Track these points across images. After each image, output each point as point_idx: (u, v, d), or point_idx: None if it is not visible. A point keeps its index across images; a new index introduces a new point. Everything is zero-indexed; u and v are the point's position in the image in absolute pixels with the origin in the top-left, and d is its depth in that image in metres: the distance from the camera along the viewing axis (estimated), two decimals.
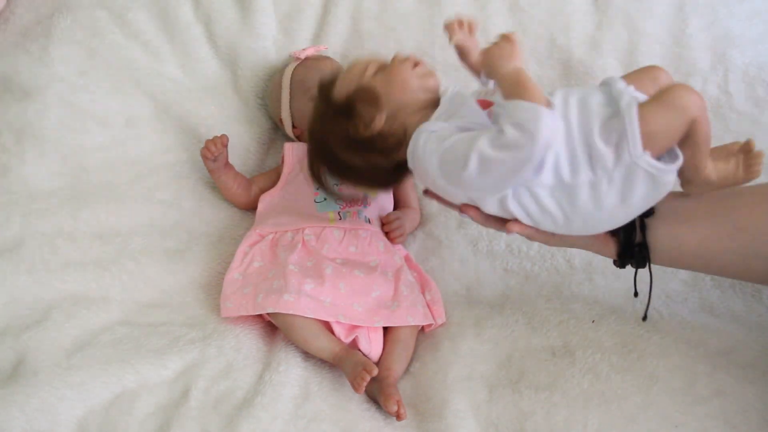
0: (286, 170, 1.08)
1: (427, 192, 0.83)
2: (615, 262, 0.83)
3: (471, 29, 0.82)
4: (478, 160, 0.67)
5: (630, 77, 0.73)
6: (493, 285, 1.03)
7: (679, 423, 0.75)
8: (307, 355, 0.90)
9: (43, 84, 1.02)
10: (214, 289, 0.98)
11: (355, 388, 0.82)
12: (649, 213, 0.77)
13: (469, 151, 0.68)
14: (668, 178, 0.68)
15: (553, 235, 0.78)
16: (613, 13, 1.12)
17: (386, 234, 1.04)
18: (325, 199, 1.02)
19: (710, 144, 0.70)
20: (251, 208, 1.08)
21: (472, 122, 0.73)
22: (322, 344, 0.88)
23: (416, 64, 0.82)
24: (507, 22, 1.13)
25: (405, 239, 1.06)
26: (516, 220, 0.75)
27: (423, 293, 0.98)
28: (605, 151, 0.67)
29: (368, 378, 0.82)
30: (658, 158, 0.68)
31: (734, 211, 0.75)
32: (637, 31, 1.11)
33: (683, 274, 1.00)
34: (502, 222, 0.77)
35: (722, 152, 0.75)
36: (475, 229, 1.09)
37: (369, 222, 1.02)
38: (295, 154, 1.09)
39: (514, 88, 0.67)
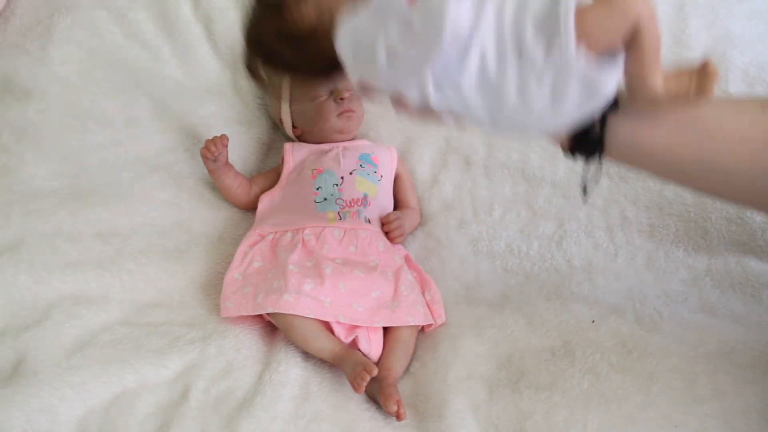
0: (286, 170, 1.08)
1: (360, 87, 0.76)
2: (564, 152, 0.77)
3: None
4: (385, 51, 0.65)
5: None
6: (493, 285, 1.03)
7: (679, 423, 0.75)
8: (307, 355, 0.90)
9: (43, 84, 1.02)
10: (213, 289, 0.98)
11: (355, 388, 0.82)
12: (613, 107, 0.71)
13: (375, 43, 0.65)
14: (604, 85, 0.64)
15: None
16: None
17: (386, 234, 1.04)
18: (325, 199, 1.02)
19: (659, 57, 0.66)
20: (251, 208, 1.08)
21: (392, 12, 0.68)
22: (322, 344, 0.88)
23: None
24: None
25: (405, 239, 1.06)
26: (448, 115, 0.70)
27: (423, 293, 0.99)
28: (534, 47, 0.63)
29: (368, 378, 0.82)
30: (597, 62, 0.64)
31: (702, 118, 0.72)
32: None
33: (683, 274, 1.00)
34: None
35: (675, 70, 0.70)
36: (475, 229, 1.09)
37: (369, 222, 1.02)
38: (295, 154, 1.09)
39: None
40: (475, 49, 0.63)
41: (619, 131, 0.73)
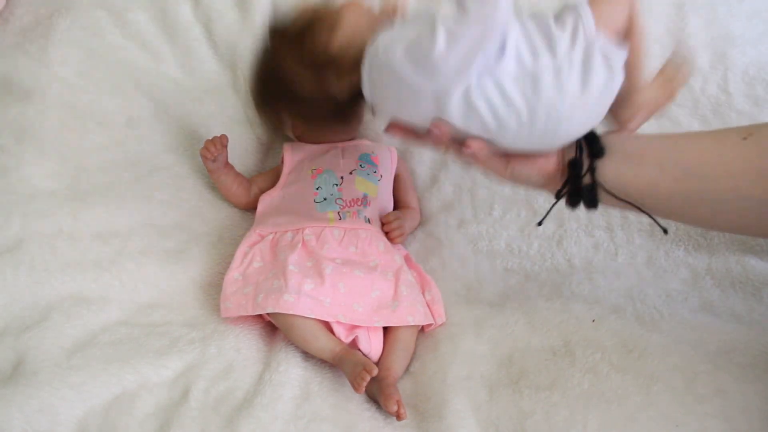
0: (286, 170, 1.08)
1: (390, 127, 0.79)
2: (565, 201, 0.82)
3: None
4: (445, 34, 0.68)
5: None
6: (493, 285, 1.03)
7: (680, 422, 0.75)
8: (307, 355, 0.90)
9: (43, 84, 1.02)
10: (213, 290, 0.98)
11: (356, 388, 0.82)
12: (600, 154, 0.77)
13: (435, 29, 0.69)
14: (618, 62, 0.70)
15: (507, 162, 0.78)
16: None
17: (386, 234, 1.04)
18: (325, 199, 1.02)
19: (645, 48, 0.73)
20: (251, 208, 1.08)
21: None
22: (322, 344, 0.88)
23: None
24: None
25: (405, 239, 1.06)
26: (476, 138, 0.74)
27: (423, 293, 0.99)
28: (561, 36, 0.69)
29: (368, 378, 0.82)
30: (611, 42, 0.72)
31: (684, 154, 0.75)
32: None
33: (683, 273, 1.00)
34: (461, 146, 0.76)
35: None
36: (476, 228, 1.09)
37: (369, 222, 1.02)
38: (294, 154, 1.09)
39: None
40: (510, 41, 0.69)
41: (607, 174, 0.77)
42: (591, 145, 0.78)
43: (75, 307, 0.86)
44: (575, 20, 0.69)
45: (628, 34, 0.72)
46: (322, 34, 0.82)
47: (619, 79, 0.71)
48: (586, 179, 0.78)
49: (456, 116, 0.72)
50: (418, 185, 1.15)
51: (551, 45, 0.69)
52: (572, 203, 0.80)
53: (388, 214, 1.05)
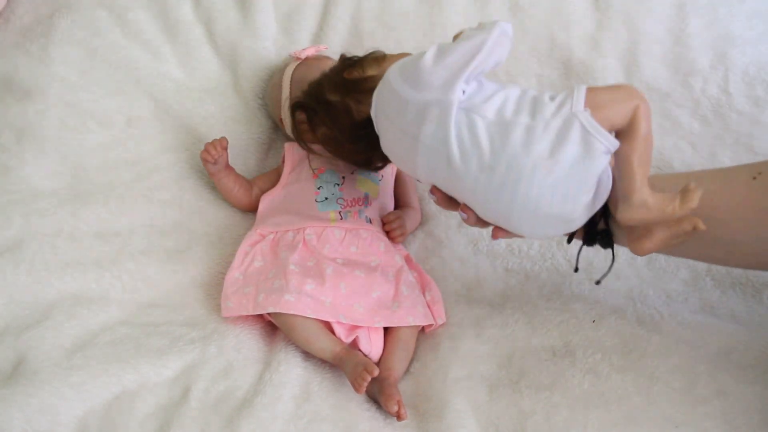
0: (286, 170, 1.08)
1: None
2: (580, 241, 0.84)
3: None
4: (435, 49, 0.73)
5: None
6: (494, 285, 1.03)
7: (680, 423, 0.75)
8: (308, 355, 0.90)
9: (44, 84, 1.02)
10: (214, 289, 0.98)
11: (356, 388, 0.82)
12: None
13: (428, 48, 0.74)
14: (602, 146, 0.68)
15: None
16: (613, 13, 1.12)
17: (387, 233, 1.04)
18: (326, 198, 1.02)
19: (648, 163, 0.70)
20: (253, 209, 1.08)
21: None
22: (322, 344, 0.88)
23: None
24: (507, 21, 1.13)
25: (405, 238, 1.06)
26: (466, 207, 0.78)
27: (423, 293, 0.99)
28: (548, 105, 0.70)
29: (369, 378, 0.82)
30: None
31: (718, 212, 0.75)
32: (638, 31, 1.11)
33: (684, 274, 1.00)
34: (456, 204, 0.79)
35: (660, 192, 0.73)
36: (476, 228, 1.09)
37: (370, 222, 1.02)
38: (296, 153, 1.09)
39: None
40: (500, 94, 0.72)
41: (621, 219, 0.75)
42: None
43: (75, 307, 0.86)
44: (566, 96, 0.70)
45: (625, 135, 0.69)
46: (361, 67, 0.95)
47: (597, 163, 0.69)
48: (601, 224, 0.80)
49: (428, 137, 0.73)
50: (418, 185, 1.15)
51: (535, 109, 0.70)
52: (588, 244, 0.83)
53: (389, 213, 1.05)
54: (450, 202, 0.80)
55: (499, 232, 0.78)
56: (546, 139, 0.69)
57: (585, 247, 0.84)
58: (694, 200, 0.68)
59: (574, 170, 0.69)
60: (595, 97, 0.69)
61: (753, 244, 0.75)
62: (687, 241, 0.76)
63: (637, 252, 0.76)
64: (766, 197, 0.72)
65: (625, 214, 0.72)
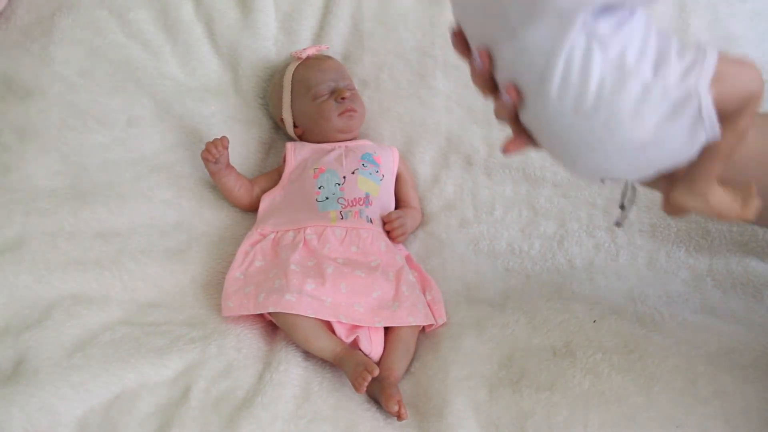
0: (287, 170, 1.08)
1: (456, 35, 0.67)
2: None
3: None
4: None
5: None
6: (494, 285, 1.03)
7: (680, 423, 0.75)
8: (308, 354, 0.90)
9: (44, 83, 1.02)
10: (214, 289, 0.98)
11: (357, 388, 0.82)
12: None
13: None
14: (700, 142, 0.62)
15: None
16: None
17: (387, 233, 1.04)
18: (327, 198, 1.02)
19: (740, 146, 0.64)
20: (253, 209, 1.08)
21: None
22: (323, 344, 0.88)
23: None
24: None
25: (406, 238, 1.06)
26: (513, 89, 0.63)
27: (424, 293, 0.99)
28: (675, 64, 0.60)
29: (369, 378, 0.82)
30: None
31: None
32: None
33: (684, 274, 1.00)
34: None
35: (727, 186, 0.68)
36: (476, 228, 1.09)
37: (371, 222, 1.02)
38: (297, 153, 1.09)
39: None
40: (632, 23, 0.60)
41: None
42: None
43: (76, 306, 0.86)
44: (696, 59, 0.60)
45: (724, 121, 0.62)
46: None
47: (691, 151, 0.62)
48: None
49: (531, 39, 0.60)
50: (419, 185, 1.15)
51: (659, 61, 0.60)
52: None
53: (390, 213, 1.05)
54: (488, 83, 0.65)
55: (517, 144, 0.66)
56: (659, 110, 0.60)
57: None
58: (753, 211, 0.64)
59: (672, 147, 0.62)
60: (722, 68, 0.60)
61: None
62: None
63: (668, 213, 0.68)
64: None
65: (679, 198, 0.66)
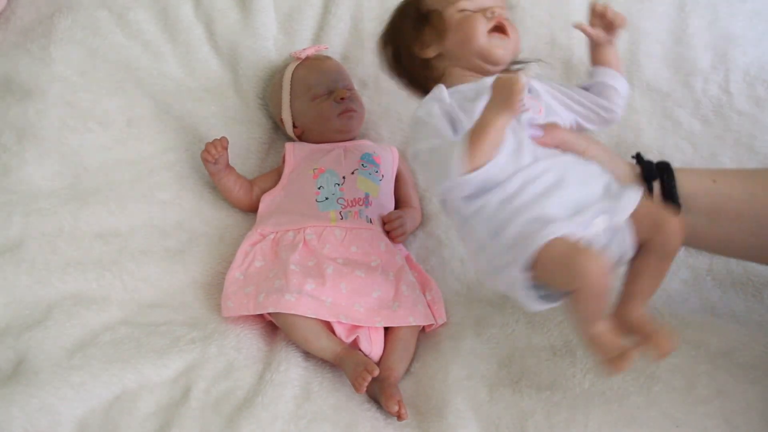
0: (287, 170, 1.08)
1: None
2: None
3: (610, 25, 0.85)
4: (413, 154, 0.81)
5: None
6: None
7: (680, 422, 0.75)
8: (308, 354, 0.90)
9: (44, 84, 1.02)
10: (214, 289, 0.98)
11: (357, 388, 0.83)
12: (677, 210, 0.77)
13: (414, 142, 0.80)
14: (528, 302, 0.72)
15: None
16: None
17: (387, 233, 1.04)
18: (326, 198, 1.02)
19: (600, 308, 0.68)
20: (253, 209, 1.07)
21: (460, 118, 0.77)
22: (323, 344, 0.88)
23: (498, 29, 0.82)
24: None
25: (406, 238, 1.06)
26: None
27: (424, 293, 0.99)
28: (503, 254, 0.73)
29: (369, 378, 0.82)
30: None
31: (761, 209, 0.75)
32: (638, 31, 1.11)
33: (684, 273, 1.00)
34: None
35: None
36: None
37: (370, 222, 1.02)
38: (296, 153, 1.09)
39: (479, 128, 0.71)
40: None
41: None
42: (670, 200, 0.78)
43: (76, 307, 0.86)
44: (521, 245, 0.70)
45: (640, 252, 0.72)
46: (426, 37, 0.86)
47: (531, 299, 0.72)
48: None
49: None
50: (419, 185, 1.15)
51: (496, 232, 0.73)
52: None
53: (390, 213, 1.05)
54: None
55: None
56: (490, 267, 0.75)
57: None
58: (620, 369, 0.67)
59: (510, 291, 0.75)
60: (543, 261, 0.68)
61: None
62: (750, 250, 0.79)
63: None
64: None
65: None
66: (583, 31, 0.86)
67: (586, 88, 0.87)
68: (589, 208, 0.72)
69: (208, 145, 1.02)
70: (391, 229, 1.03)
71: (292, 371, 0.85)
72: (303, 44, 1.17)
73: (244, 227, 1.06)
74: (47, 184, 0.97)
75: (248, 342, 0.90)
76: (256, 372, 0.85)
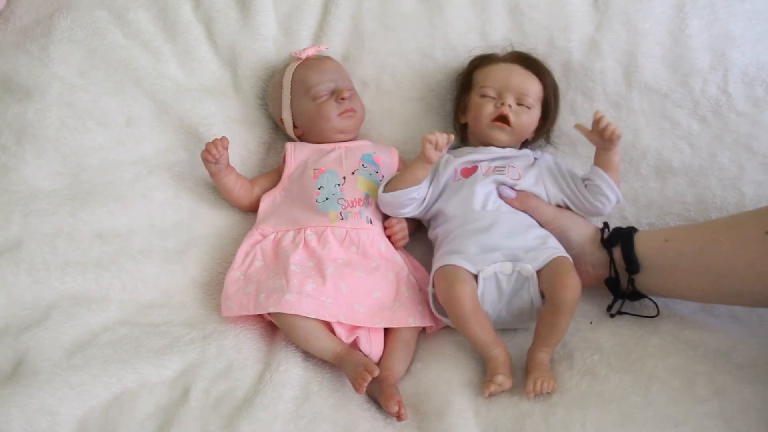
0: (287, 170, 1.08)
1: None
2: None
3: (602, 134, 0.96)
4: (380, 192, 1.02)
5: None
6: None
7: (679, 422, 0.75)
8: (308, 355, 0.90)
9: (43, 84, 1.02)
10: (214, 289, 0.98)
11: (357, 388, 0.83)
12: (635, 270, 0.91)
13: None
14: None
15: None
16: (613, 14, 1.11)
17: (389, 238, 1.04)
18: (327, 198, 1.02)
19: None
20: (253, 209, 1.07)
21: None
22: (323, 344, 0.88)
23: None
24: (507, 24, 1.13)
25: (407, 242, 1.06)
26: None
27: (424, 294, 0.99)
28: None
29: (369, 378, 0.82)
30: None
31: (712, 261, 0.84)
32: (637, 32, 1.11)
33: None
34: None
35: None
36: None
37: (371, 222, 1.02)
38: (297, 154, 1.09)
39: (405, 168, 1.01)
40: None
41: (643, 284, 0.92)
42: (628, 263, 0.92)
43: (75, 307, 0.86)
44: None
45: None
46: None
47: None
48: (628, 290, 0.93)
49: None
50: None
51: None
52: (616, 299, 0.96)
53: (391, 218, 1.05)
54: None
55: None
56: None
57: None
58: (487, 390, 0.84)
59: None
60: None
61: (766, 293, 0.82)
62: (710, 297, 0.89)
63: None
64: None
65: None
66: (581, 131, 0.97)
67: (586, 182, 1.00)
68: (497, 252, 0.91)
69: (208, 144, 1.02)
70: (392, 233, 1.03)
71: (291, 371, 0.85)
72: (302, 44, 1.16)
73: (244, 227, 1.06)
74: (46, 184, 0.97)
75: (248, 342, 0.90)
76: (255, 372, 0.85)
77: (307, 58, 1.11)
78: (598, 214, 1.00)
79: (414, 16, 1.14)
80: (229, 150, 1.03)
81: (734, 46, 1.10)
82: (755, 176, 1.08)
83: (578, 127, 0.97)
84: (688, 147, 1.11)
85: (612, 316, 0.93)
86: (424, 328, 0.97)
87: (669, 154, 1.11)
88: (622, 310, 0.94)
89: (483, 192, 0.99)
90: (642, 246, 0.92)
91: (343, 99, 1.07)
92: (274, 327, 0.94)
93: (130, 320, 0.89)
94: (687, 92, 1.10)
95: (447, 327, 0.97)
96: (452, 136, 0.95)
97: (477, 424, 0.80)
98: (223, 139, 1.02)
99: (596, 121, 0.94)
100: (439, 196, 1.02)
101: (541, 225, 0.98)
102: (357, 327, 0.91)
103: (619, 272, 0.93)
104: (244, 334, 0.91)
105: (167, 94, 1.09)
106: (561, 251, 0.92)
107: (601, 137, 0.95)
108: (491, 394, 0.83)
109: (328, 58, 1.13)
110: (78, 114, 1.03)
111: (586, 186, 0.99)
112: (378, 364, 0.87)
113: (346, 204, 1.02)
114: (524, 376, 0.86)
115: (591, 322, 0.92)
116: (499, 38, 1.12)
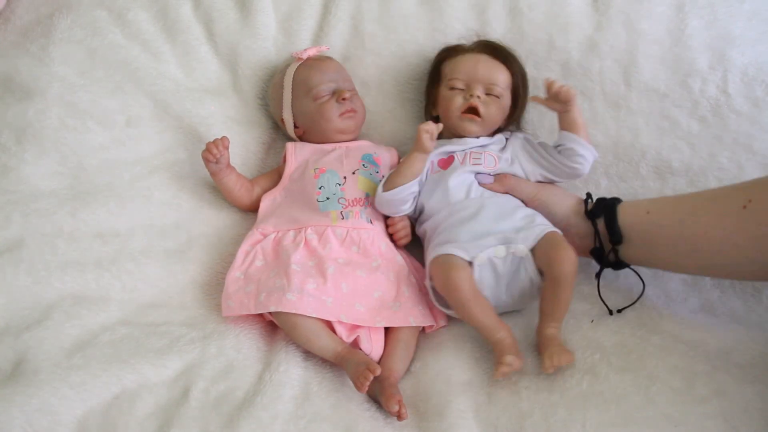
0: (288, 170, 1.08)
1: None
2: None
3: (557, 98, 0.98)
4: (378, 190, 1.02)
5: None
6: None
7: (679, 422, 0.75)
8: (308, 355, 0.90)
9: (43, 84, 1.02)
10: (214, 289, 0.98)
11: (358, 387, 0.83)
12: (618, 241, 0.93)
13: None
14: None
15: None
16: (612, 14, 1.11)
17: (392, 236, 1.04)
18: (327, 198, 1.02)
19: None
20: (253, 209, 1.07)
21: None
22: (324, 344, 0.88)
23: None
24: (506, 25, 1.13)
25: (410, 240, 1.06)
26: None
27: (424, 294, 0.99)
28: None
29: (371, 377, 0.82)
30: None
31: (690, 232, 0.87)
32: (636, 32, 1.11)
33: (683, 273, 1.00)
34: None
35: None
36: None
37: (371, 222, 1.02)
38: (297, 153, 1.09)
39: (402, 163, 1.02)
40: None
41: (625, 255, 0.95)
42: (611, 234, 0.94)
43: (75, 307, 0.86)
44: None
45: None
46: None
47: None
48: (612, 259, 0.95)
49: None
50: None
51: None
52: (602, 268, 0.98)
53: (393, 217, 1.05)
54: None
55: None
56: None
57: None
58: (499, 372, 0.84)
59: None
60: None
61: (748, 264, 0.84)
62: (688, 268, 0.92)
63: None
64: (756, 225, 0.81)
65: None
66: (537, 102, 1.01)
67: (559, 148, 1.02)
68: (489, 237, 0.92)
69: (209, 144, 1.02)
70: (395, 231, 1.03)
71: (291, 371, 0.85)
72: (302, 44, 1.17)
73: (244, 227, 1.06)
74: (46, 184, 0.97)
75: (248, 342, 0.90)
76: (255, 372, 0.85)
77: (308, 59, 1.11)
78: (578, 176, 1.03)
79: (414, 17, 1.15)
80: (229, 150, 1.03)
81: (734, 46, 1.10)
82: (755, 176, 1.06)
83: (534, 98, 1.00)
84: (687, 147, 1.11)
85: (611, 314, 0.93)
86: (423, 328, 0.96)
87: (668, 154, 1.11)
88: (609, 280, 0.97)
89: (464, 181, 1.01)
90: (625, 217, 0.94)
91: (344, 99, 1.07)
92: (273, 327, 0.94)
93: (130, 320, 0.89)
94: (686, 92, 1.11)
95: (446, 327, 0.97)
96: (441, 125, 0.98)
97: (477, 423, 0.80)
98: (224, 138, 1.02)
99: (548, 87, 0.97)
100: (421, 189, 1.03)
101: (525, 203, 1.00)
102: (357, 326, 0.91)
103: (603, 243, 0.95)
104: (244, 334, 0.91)
105: (167, 94, 1.09)
106: (550, 226, 0.94)
107: (558, 100, 0.97)
108: (503, 375, 0.83)
109: (328, 58, 1.13)
110: (78, 114, 1.03)
111: (560, 152, 1.01)
112: (378, 363, 0.87)
113: (346, 203, 1.02)
114: (537, 356, 0.87)
115: (592, 321, 0.92)
116: (498, 39, 1.12)
